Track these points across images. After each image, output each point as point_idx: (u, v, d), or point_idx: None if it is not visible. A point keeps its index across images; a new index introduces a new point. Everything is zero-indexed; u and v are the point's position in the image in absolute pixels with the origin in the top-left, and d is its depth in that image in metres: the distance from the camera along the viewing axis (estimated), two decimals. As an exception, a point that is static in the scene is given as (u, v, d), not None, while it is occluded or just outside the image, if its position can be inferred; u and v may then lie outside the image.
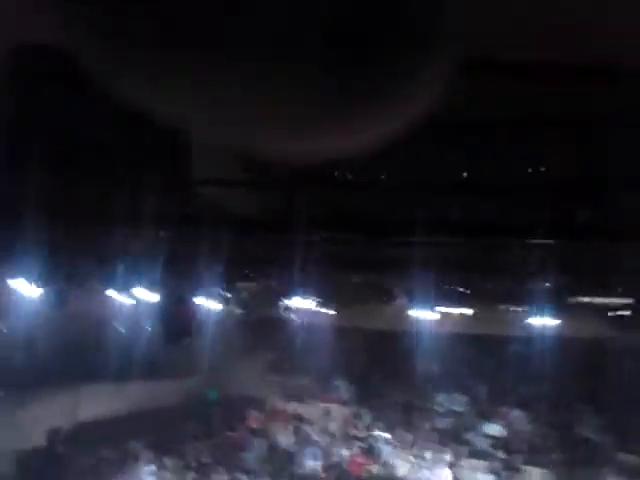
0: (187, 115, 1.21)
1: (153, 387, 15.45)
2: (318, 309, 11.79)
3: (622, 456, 13.16)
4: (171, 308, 9.49)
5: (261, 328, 14.42)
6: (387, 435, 15.03)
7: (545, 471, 13.10)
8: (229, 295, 11.08)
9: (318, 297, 10.84)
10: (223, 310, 11.86)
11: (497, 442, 14.50)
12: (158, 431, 15.22)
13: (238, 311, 12.14)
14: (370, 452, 14.67)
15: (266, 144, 1.25)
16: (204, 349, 13.70)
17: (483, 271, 8.55)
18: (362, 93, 1.14)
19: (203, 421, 16.51)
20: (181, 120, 1.31)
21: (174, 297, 9.54)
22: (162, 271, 8.24)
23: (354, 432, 15.83)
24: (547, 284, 8.49)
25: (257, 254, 8.37)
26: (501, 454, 13.96)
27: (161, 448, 15.10)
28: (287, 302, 10.71)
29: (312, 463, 14.55)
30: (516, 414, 15.28)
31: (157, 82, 1.13)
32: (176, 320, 9.52)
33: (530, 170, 5.42)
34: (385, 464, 14.06)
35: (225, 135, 1.31)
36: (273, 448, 15.57)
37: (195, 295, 10.38)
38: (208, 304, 11.32)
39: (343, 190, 6.13)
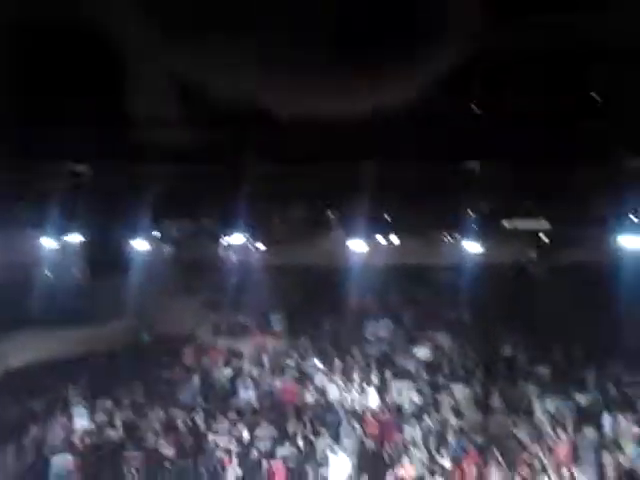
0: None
1: (86, 330, 15.19)
2: (252, 246, 11.83)
3: (539, 369, 14.29)
4: (101, 245, 9.24)
5: (195, 266, 14.33)
6: (318, 363, 15.54)
7: (467, 388, 14.02)
8: (161, 233, 10.91)
9: (251, 233, 10.85)
10: (155, 248, 11.68)
11: (423, 364, 15.30)
12: (91, 374, 15.14)
13: (171, 249, 11.95)
14: (302, 380, 15.16)
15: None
16: (136, 288, 13.55)
17: (412, 198, 8.78)
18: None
19: (136, 361, 16.51)
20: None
21: (103, 234, 9.27)
22: (93, 209, 7.98)
23: (287, 362, 16.27)
24: (473, 210, 8.89)
25: (189, 190, 8.23)
26: (426, 375, 14.73)
27: (94, 390, 15.05)
28: (220, 239, 10.68)
29: (246, 394, 14.91)
30: (441, 337, 16.13)
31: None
32: (106, 256, 9.29)
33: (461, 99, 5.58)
34: (316, 390, 14.60)
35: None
36: (207, 383, 15.81)
37: (126, 232, 10.16)
38: (139, 242, 11.15)
39: (279, 128, 6.09)
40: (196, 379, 15.78)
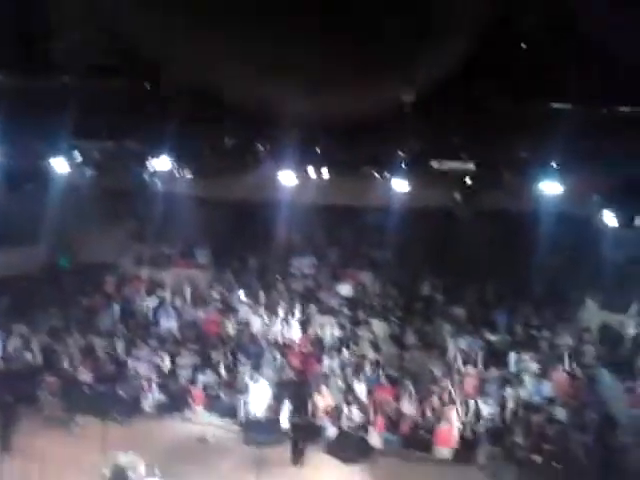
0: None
1: (1, 252, 14.55)
2: (179, 174, 11.44)
3: (455, 310, 14.96)
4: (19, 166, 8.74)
5: (119, 192, 13.81)
6: (243, 296, 15.63)
7: (386, 324, 14.53)
8: (82, 155, 10.40)
9: (178, 160, 10.54)
10: (76, 171, 11.15)
11: (345, 300, 15.68)
12: (7, 297, 14.67)
13: (93, 172, 11.40)
14: (226, 312, 15.26)
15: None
16: (56, 212, 13.02)
17: (344, 134, 8.73)
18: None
19: (55, 287, 16.08)
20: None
21: (21, 155, 8.75)
22: (9, 127, 7.48)
23: (211, 294, 16.28)
24: (403, 148, 8.96)
25: (112, 108, 7.82)
26: (347, 310, 15.14)
27: (12, 315, 14.61)
28: (146, 165, 10.30)
29: (168, 324, 14.89)
30: (364, 275, 16.54)
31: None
32: (24, 177, 8.82)
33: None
34: (240, 322, 14.74)
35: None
36: (129, 311, 15.66)
37: (45, 152, 9.65)
38: (60, 163, 10.65)
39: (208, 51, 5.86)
40: (117, 307, 15.58)
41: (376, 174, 10.54)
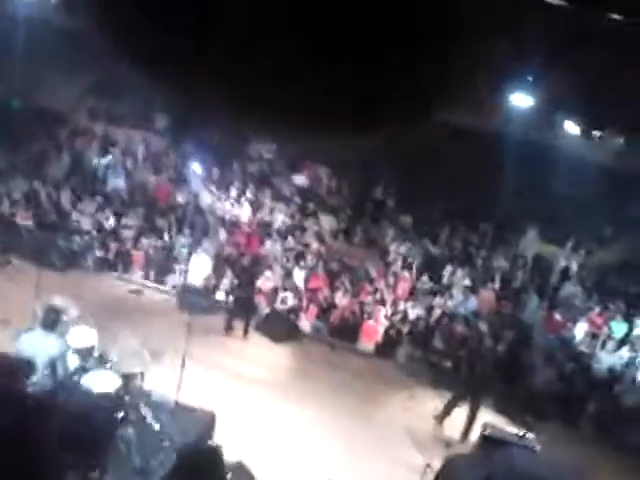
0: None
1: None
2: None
3: (402, 217, 15.25)
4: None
5: (83, 36, 12.95)
6: (197, 168, 15.39)
7: (334, 219, 14.73)
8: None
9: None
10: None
11: (298, 190, 15.71)
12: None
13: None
14: (177, 180, 15.08)
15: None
16: (11, 49, 12.18)
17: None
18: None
19: (2, 128, 15.36)
20: None
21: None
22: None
23: (164, 161, 15.98)
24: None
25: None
26: (299, 200, 15.20)
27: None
28: None
29: (117, 183, 14.64)
30: (321, 170, 16.49)
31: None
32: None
33: None
34: (190, 193, 14.62)
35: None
36: (78, 164, 15.27)
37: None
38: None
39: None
40: (66, 158, 15.16)
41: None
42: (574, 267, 14.27)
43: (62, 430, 2.85)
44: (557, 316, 12.08)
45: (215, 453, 2.68)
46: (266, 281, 12.06)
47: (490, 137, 12.39)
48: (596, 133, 10.12)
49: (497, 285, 13.20)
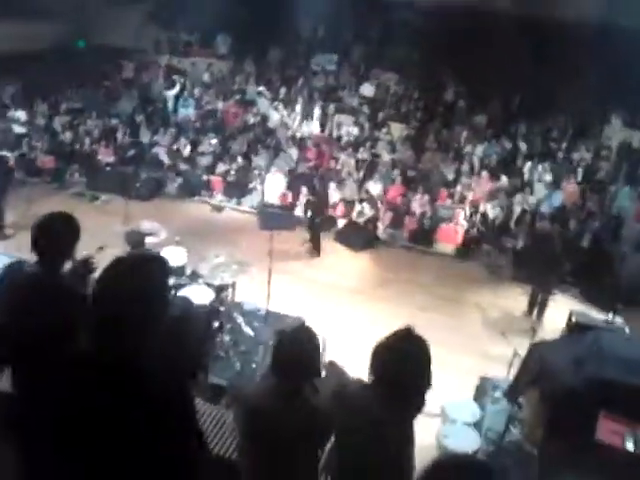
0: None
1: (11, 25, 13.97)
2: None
3: (476, 117, 14.72)
4: None
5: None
6: (263, 89, 15.37)
7: (404, 125, 14.43)
8: None
9: None
10: None
11: (366, 100, 15.41)
12: (24, 78, 14.53)
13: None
14: (245, 104, 15.13)
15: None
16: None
17: None
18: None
19: (71, 68, 15.81)
20: None
21: None
22: None
23: (231, 85, 16.03)
24: None
25: None
26: (368, 110, 14.93)
27: (30, 95, 14.63)
28: None
29: (187, 112, 14.87)
30: (388, 76, 16.03)
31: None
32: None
33: None
34: (259, 114, 14.69)
35: None
36: (148, 98, 15.58)
37: None
38: None
39: None
40: (135, 93, 15.50)
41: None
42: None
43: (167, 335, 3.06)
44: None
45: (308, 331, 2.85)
46: (341, 193, 12.14)
47: (565, 27, 11.58)
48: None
49: (580, 178, 12.69)
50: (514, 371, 5.81)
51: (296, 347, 2.66)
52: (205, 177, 12.89)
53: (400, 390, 2.51)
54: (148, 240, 6.52)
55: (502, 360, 6.50)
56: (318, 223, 11.05)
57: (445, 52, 14.71)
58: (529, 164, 12.97)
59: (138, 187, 11.96)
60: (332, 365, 6.42)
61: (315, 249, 10.56)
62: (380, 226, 11.71)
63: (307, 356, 2.67)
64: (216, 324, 6.17)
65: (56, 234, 2.92)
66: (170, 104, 15.23)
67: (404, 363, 2.52)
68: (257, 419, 2.70)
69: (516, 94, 15.12)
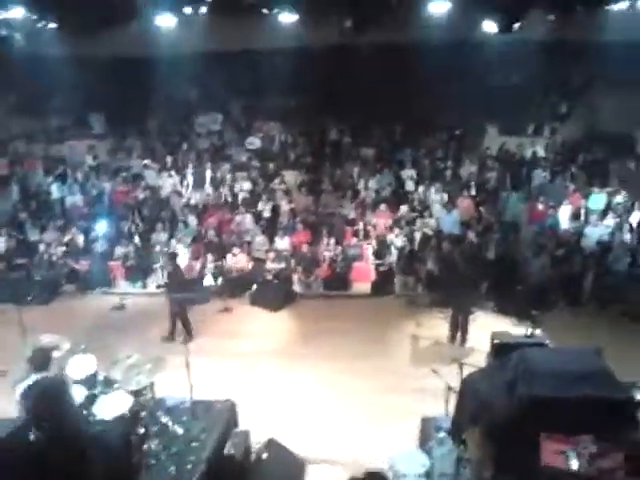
0: None
1: None
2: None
3: (363, 151, 15.09)
4: None
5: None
6: (148, 161, 15.05)
7: (297, 172, 14.54)
8: None
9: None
10: None
11: (255, 153, 15.43)
12: None
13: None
14: (131, 179, 14.72)
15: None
16: None
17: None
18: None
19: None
20: None
21: None
22: None
23: (114, 164, 15.57)
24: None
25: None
26: (259, 163, 14.94)
27: None
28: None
29: (73, 199, 14.26)
30: (271, 126, 16.16)
31: None
32: None
33: None
34: (149, 188, 14.30)
35: None
36: (28, 192, 14.83)
37: None
38: None
39: None
40: (15, 189, 14.69)
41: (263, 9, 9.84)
42: (541, 152, 14.29)
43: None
44: (539, 206, 12.09)
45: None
46: (246, 254, 11.95)
47: (424, 46, 12.13)
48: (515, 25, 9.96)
49: (472, 191, 13.21)
50: (451, 407, 5.78)
51: None
52: (103, 265, 12.29)
53: None
54: (54, 355, 6.02)
55: (438, 394, 6.47)
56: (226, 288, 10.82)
57: (320, 92, 15.07)
58: (422, 188, 13.35)
59: (33, 291, 11.25)
60: (272, 443, 6.18)
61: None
62: (294, 278, 11.60)
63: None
64: (141, 431, 5.74)
65: None
66: (54, 194, 14.51)
67: None
68: None
69: (396, 122, 15.66)
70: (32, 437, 3.84)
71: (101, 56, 13.84)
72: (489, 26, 10.29)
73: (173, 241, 12.15)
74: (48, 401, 2.67)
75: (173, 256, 9.91)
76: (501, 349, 6.25)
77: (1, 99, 15.99)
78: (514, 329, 8.25)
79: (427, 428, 6.12)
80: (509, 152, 14.50)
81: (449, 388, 6.13)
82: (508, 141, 14.73)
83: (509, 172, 13.74)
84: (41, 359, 5.55)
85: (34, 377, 5.34)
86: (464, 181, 13.59)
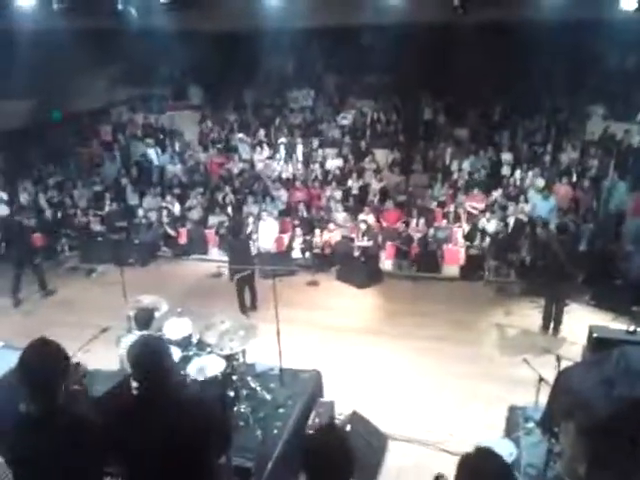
0: None
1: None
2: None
3: (458, 131, 14.72)
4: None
5: (99, 35, 12.83)
6: (242, 134, 15.36)
7: (388, 150, 14.40)
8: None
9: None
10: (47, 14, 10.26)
11: (346, 130, 15.41)
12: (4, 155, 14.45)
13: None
14: (226, 151, 15.10)
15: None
16: (32, 63, 12.24)
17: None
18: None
19: (51, 141, 15.78)
20: None
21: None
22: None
23: (210, 135, 16.01)
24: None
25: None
26: (349, 140, 14.92)
27: (12, 172, 14.53)
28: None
29: (172, 168, 14.80)
30: (364, 103, 16.06)
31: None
32: None
33: None
34: (242, 160, 14.65)
35: None
36: (129, 159, 15.53)
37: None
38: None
39: None
40: (117, 155, 15.44)
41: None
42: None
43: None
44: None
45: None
46: (335, 230, 12.01)
47: (532, 26, 11.57)
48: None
49: (573, 178, 12.61)
50: (541, 398, 5.63)
51: (329, 453, 2.51)
52: (198, 233, 12.73)
53: None
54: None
55: (527, 383, 6.29)
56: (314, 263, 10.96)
57: (418, 71, 14.77)
58: (518, 173, 12.89)
59: (132, 254, 11.82)
60: (356, 416, 6.26)
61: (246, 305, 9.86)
62: (382, 257, 11.57)
63: (340, 460, 2.52)
64: (231, 394, 5.96)
65: (43, 374, 2.74)
66: (154, 161, 15.15)
67: None
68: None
69: (493, 102, 15.16)
70: (134, 391, 4.09)
71: (205, 30, 14.15)
72: (612, 4, 9.54)
73: (263, 214, 12.37)
74: (153, 356, 2.82)
75: (236, 230, 10.00)
76: (600, 344, 6.01)
77: (108, 68, 16.74)
78: (611, 324, 7.87)
79: (515, 417, 5.99)
80: (614, 138, 13.68)
81: (541, 379, 5.94)
82: (613, 127, 13.88)
83: (614, 160, 12.96)
84: (145, 318, 5.87)
85: (138, 334, 5.66)
86: (564, 167, 12.96)
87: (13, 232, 10.63)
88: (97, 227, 13.01)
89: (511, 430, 5.89)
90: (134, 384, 4.73)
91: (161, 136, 15.93)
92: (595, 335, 6.12)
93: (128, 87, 17.32)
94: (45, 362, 2.72)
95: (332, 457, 2.50)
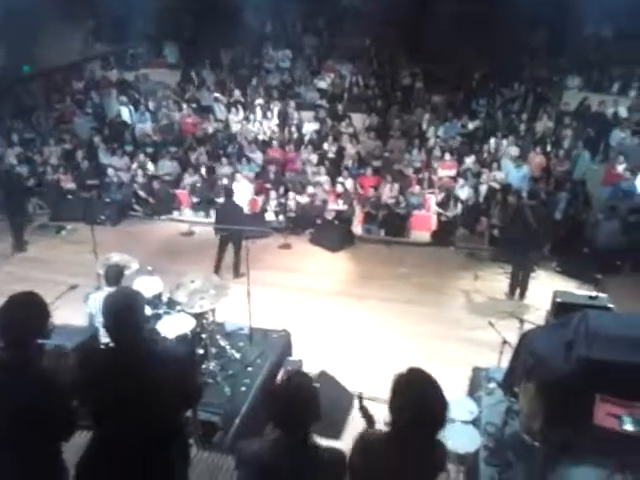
0: None
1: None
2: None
3: (435, 98, 14.69)
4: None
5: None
6: (217, 94, 15.12)
7: (365, 115, 14.34)
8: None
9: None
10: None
11: (323, 94, 15.26)
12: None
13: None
14: (201, 111, 14.86)
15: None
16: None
17: None
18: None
19: (20, 96, 15.36)
20: None
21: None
22: None
23: (185, 94, 15.72)
24: None
25: None
26: (326, 103, 14.79)
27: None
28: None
29: (144, 126, 14.55)
30: (343, 67, 15.89)
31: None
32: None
33: None
34: (217, 120, 14.45)
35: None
36: (101, 114, 15.22)
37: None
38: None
39: None
40: (89, 112, 15.11)
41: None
42: (623, 112, 13.51)
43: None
44: (618, 167, 11.52)
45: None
46: (309, 193, 11.98)
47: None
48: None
49: (547, 147, 12.70)
50: (504, 360, 5.78)
51: (295, 398, 2.57)
52: (170, 193, 12.62)
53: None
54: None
55: (491, 346, 6.45)
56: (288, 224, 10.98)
57: (397, 36, 14.63)
58: (493, 141, 12.94)
59: (102, 212, 11.70)
60: (324, 375, 6.37)
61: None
62: (354, 221, 11.62)
63: (306, 405, 2.58)
64: (200, 351, 6.02)
65: (21, 324, 2.75)
66: (126, 119, 14.87)
67: None
68: (269, 476, 2.64)
69: (471, 69, 15.12)
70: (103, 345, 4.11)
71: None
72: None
73: (238, 175, 12.27)
74: (130, 306, 2.83)
75: (229, 192, 9.99)
76: (563, 308, 6.15)
77: (81, 23, 16.28)
78: (576, 291, 8.07)
79: (477, 378, 6.17)
80: (589, 109, 13.78)
81: (504, 341, 6.09)
82: (590, 98, 13.97)
83: (586, 130, 13.09)
84: (114, 275, 5.84)
85: (108, 290, 5.65)
86: (538, 137, 13.05)
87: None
88: (68, 185, 12.79)
89: (474, 390, 6.06)
90: (104, 339, 4.76)
91: (135, 94, 15.58)
92: (558, 300, 6.27)
93: (102, 43, 16.89)
94: (31, 312, 2.78)
95: (297, 399, 2.56)
